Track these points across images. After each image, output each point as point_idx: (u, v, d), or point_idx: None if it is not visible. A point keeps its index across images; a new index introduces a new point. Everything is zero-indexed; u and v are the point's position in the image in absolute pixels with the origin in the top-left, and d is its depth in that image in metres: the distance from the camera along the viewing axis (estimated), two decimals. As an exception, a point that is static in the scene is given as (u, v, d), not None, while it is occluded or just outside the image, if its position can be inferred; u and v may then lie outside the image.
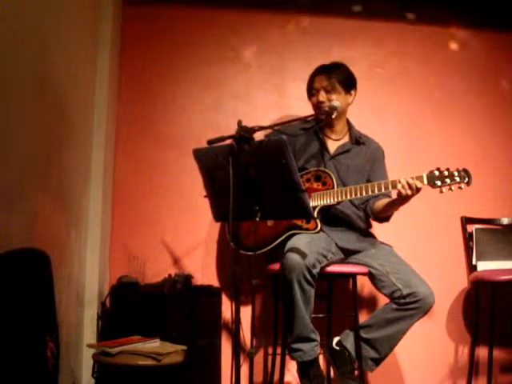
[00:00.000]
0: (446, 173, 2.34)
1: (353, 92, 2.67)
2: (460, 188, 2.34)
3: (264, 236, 2.56)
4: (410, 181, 2.32)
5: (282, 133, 2.13)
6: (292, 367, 2.73)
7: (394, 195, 2.46)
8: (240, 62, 3.23)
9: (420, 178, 2.34)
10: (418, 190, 2.33)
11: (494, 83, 3.40)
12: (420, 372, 3.09)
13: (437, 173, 2.34)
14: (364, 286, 3.00)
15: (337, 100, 2.59)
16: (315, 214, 2.48)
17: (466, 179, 2.33)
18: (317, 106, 2.63)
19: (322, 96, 2.60)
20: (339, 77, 2.62)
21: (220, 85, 3.20)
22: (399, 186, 2.33)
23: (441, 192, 2.34)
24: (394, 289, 2.40)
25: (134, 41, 3.15)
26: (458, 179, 2.33)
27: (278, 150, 1.95)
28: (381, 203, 2.57)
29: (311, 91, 2.67)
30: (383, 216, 2.62)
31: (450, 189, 2.33)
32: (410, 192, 2.32)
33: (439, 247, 3.18)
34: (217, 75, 3.20)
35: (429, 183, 2.34)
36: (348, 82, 2.65)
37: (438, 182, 2.33)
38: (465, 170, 2.35)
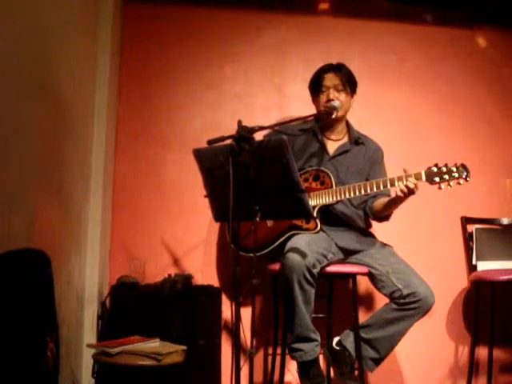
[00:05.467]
0: (445, 169, 2.33)
1: (354, 95, 2.69)
2: (459, 183, 2.33)
3: (264, 237, 2.55)
4: (411, 185, 2.30)
5: (282, 133, 2.13)
6: (292, 367, 2.73)
7: (393, 193, 2.45)
8: (240, 62, 3.23)
9: (418, 175, 2.34)
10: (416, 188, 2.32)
11: (494, 82, 3.40)
12: (420, 372, 3.09)
13: (435, 169, 2.34)
14: (364, 286, 3.00)
15: (344, 100, 2.60)
16: (315, 214, 2.47)
17: (465, 174, 2.32)
18: (325, 104, 2.58)
19: (333, 94, 2.59)
20: (348, 77, 2.63)
21: (220, 85, 3.20)
22: (398, 191, 2.33)
23: (439, 188, 2.33)
24: (394, 289, 2.40)
25: (133, 41, 3.15)
26: (456, 175, 2.32)
27: (278, 150, 1.95)
28: (379, 202, 2.57)
29: (320, 88, 2.63)
30: (382, 215, 2.62)
31: (449, 185, 2.32)
32: (408, 194, 2.33)
33: (439, 247, 3.18)
34: (217, 75, 3.20)
35: (427, 180, 2.34)
36: (354, 84, 2.66)
37: (437, 179, 2.33)
38: (463, 166, 2.33)
